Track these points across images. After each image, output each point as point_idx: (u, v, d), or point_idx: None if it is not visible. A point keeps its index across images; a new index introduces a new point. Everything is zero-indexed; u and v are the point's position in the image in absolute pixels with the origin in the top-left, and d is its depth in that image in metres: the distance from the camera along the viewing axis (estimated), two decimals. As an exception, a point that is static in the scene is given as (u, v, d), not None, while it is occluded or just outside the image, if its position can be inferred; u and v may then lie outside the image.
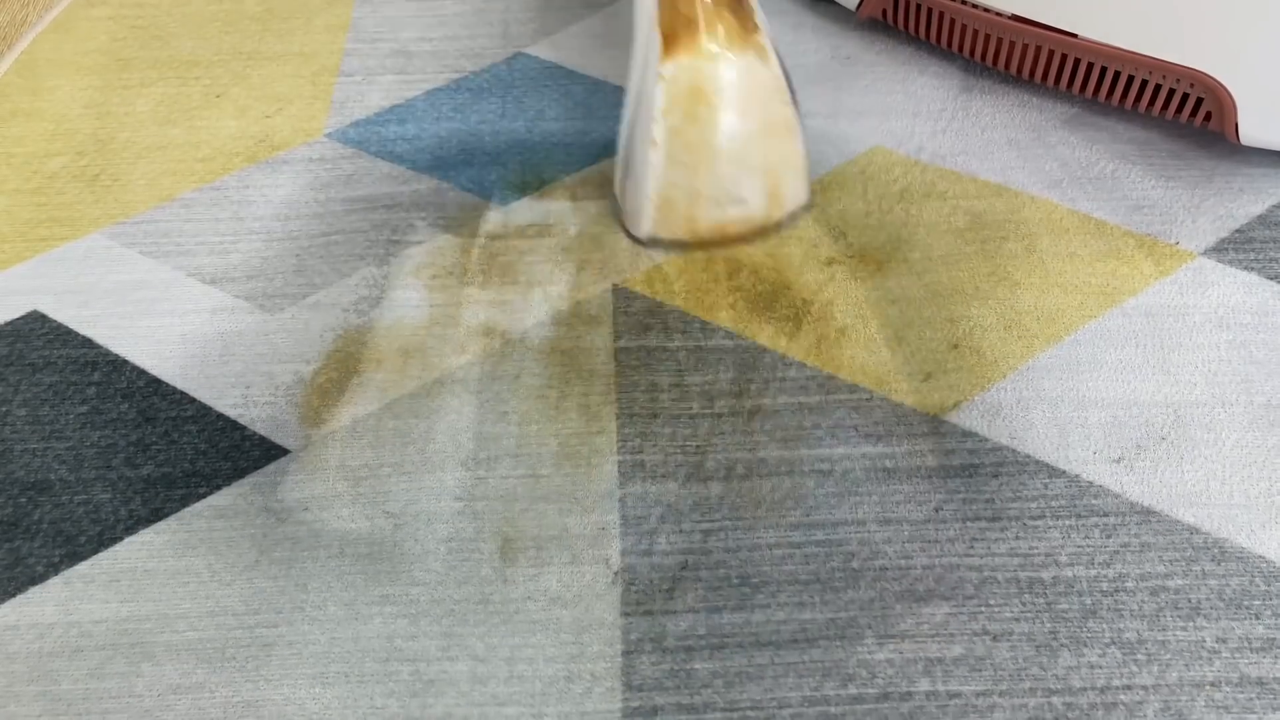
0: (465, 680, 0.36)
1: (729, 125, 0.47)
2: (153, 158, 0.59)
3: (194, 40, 0.68)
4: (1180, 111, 0.54)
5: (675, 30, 0.46)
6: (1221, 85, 0.51)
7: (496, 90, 0.62)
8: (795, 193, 0.51)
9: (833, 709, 0.35)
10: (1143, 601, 0.38)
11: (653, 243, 0.50)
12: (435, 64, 0.64)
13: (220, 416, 0.45)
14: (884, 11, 0.62)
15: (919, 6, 0.60)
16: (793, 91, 0.49)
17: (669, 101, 0.46)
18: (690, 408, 0.45)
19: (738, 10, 0.46)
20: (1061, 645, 0.36)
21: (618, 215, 0.51)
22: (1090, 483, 0.41)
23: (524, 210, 0.54)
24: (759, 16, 0.47)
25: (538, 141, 0.59)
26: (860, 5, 0.63)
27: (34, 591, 0.40)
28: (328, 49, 0.66)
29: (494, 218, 0.54)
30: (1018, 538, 0.40)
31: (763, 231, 0.50)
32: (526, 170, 0.57)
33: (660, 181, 0.48)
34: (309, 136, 0.60)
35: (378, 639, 0.38)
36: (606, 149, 0.58)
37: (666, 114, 0.46)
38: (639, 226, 0.50)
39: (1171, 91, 0.53)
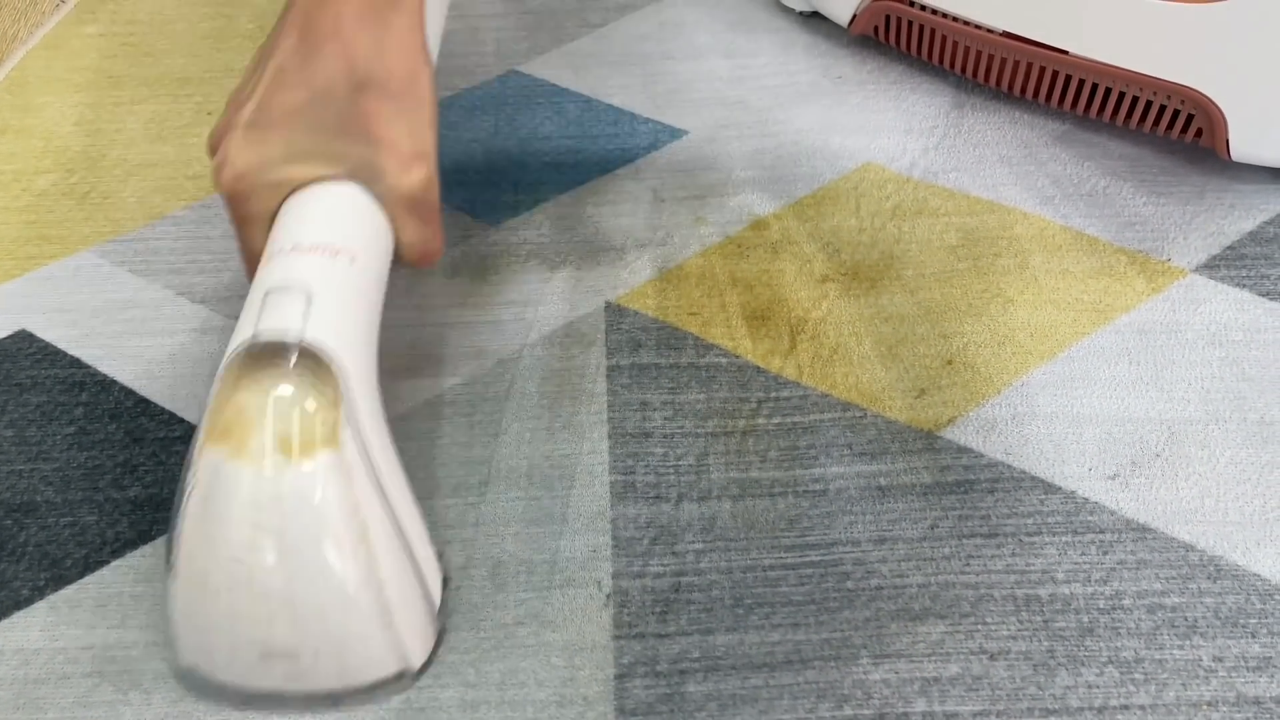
0: (456, 707, 0.36)
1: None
2: (143, 175, 0.59)
3: (185, 57, 0.68)
4: (1171, 128, 0.54)
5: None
6: (1212, 102, 0.51)
7: (489, 108, 0.62)
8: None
9: (828, 732, 0.35)
10: (1140, 619, 0.37)
11: None
12: (427, 81, 0.64)
13: (209, 437, 0.45)
14: (876, 29, 0.63)
15: (911, 24, 0.60)
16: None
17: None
18: (683, 427, 0.44)
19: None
20: (1059, 664, 0.36)
21: None
22: (1086, 499, 0.41)
23: (516, 229, 0.54)
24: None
25: (530, 160, 0.58)
26: (852, 22, 0.63)
27: (18, 616, 0.39)
28: (319, 67, 0.66)
29: (486, 236, 0.54)
30: (1014, 554, 0.39)
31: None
32: (519, 188, 0.57)
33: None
34: (300, 154, 0.59)
35: (368, 663, 0.37)
36: (600, 167, 0.58)
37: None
38: None
39: (1163, 108, 0.54)
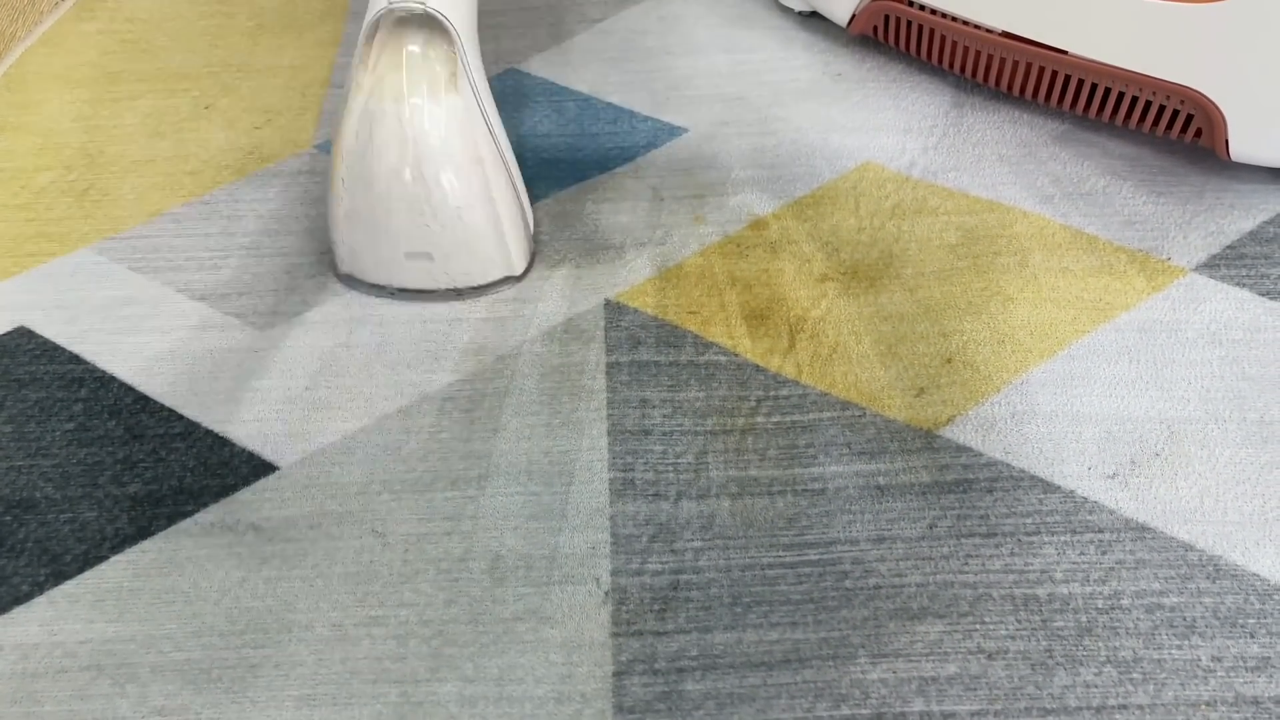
0: (454, 702, 0.36)
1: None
2: (142, 171, 0.59)
3: (183, 53, 0.68)
4: (1171, 128, 0.54)
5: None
6: (1211, 102, 0.51)
7: (488, 105, 0.62)
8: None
9: (826, 730, 0.35)
10: (1138, 619, 0.37)
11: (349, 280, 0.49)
12: (427, 79, 0.64)
13: (208, 433, 0.45)
14: (875, 28, 0.62)
15: (910, 23, 0.60)
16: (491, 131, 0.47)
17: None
18: (682, 424, 0.44)
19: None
20: (1057, 664, 0.36)
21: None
22: (1085, 498, 0.41)
23: (515, 225, 0.54)
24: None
25: (529, 156, 0.58)
26: (851, 22, 0.63)
27: (18, 611, 0.39)
28: (318, 62, 0.66)
29: (485, 233, 0.54)
30: (1012, 554, 0.39)
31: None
32: (518, 185, 0.56)
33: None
34: (298, 148, 0.59)
35: (366, 660, 0.37)
36: (599, 165, 0.58)
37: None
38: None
39: (1162, 108, 0.54)
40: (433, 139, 0.44)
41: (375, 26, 0.43)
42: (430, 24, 0.43)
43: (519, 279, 0.48)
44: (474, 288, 0.48)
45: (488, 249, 0.47)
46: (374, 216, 0.45)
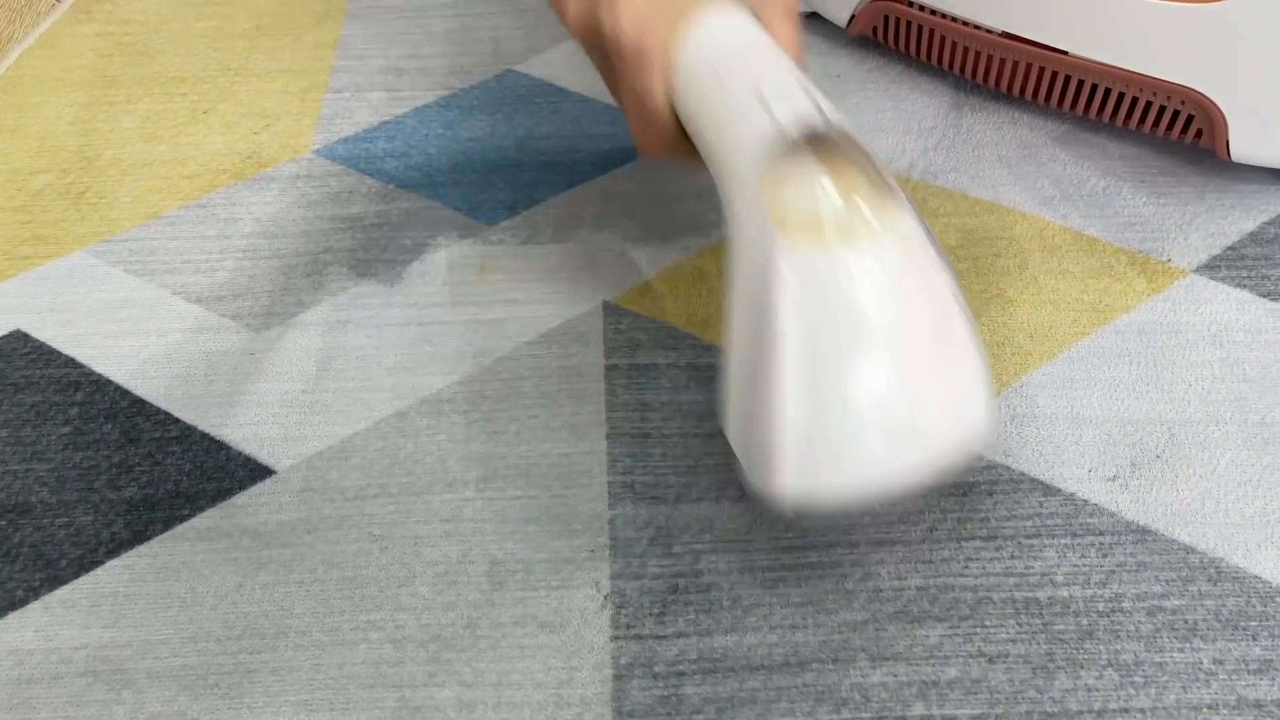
0: (452, 707, 0.36)
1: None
2: (138, 175, 0.58)
3: (181, 57, 0.67)
4: (1171, 128, 0.54)
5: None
6: (1212, 102, 0.51)
7: (486, 107, 0.62)
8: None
9: (827, 734, 0.35)
10: (1139, 622, 0.37)
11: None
12: (424, 81, 0.64)
13: (204, 437, 0.45)
14: (874, 29, 0.62)
15: (909, 24, 0.60)
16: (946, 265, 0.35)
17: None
18: (681, 427, 0.44)
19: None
20: (1058, 667, 0.36)
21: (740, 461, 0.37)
22: (1085, 501, 0.41)
23: (514, 228, 0.54)
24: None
25: (528, 159, 0.58)
26: (851, 22, 0.63)
27: (13, 617, 0.39)
28: (316, 65, 0.66)
29: (484, 236, 0.54)
30: (1013, 557, 0.39)
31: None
32: (516, 188, 0.56)
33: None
34: (296, 153, 0.59)
35: (363, 665, 0.37)
36: (596, 167, 0.57)
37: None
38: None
39: (1162, 109, 0.54)
40: (898, 280, 0.33)
41: (774, 155, 0.33)
42: (845, 142, 0.34)
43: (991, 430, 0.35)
44: (961, 450, 0.34)
45: (974, 396, 0.34)
46: (843, 404, 0.32)
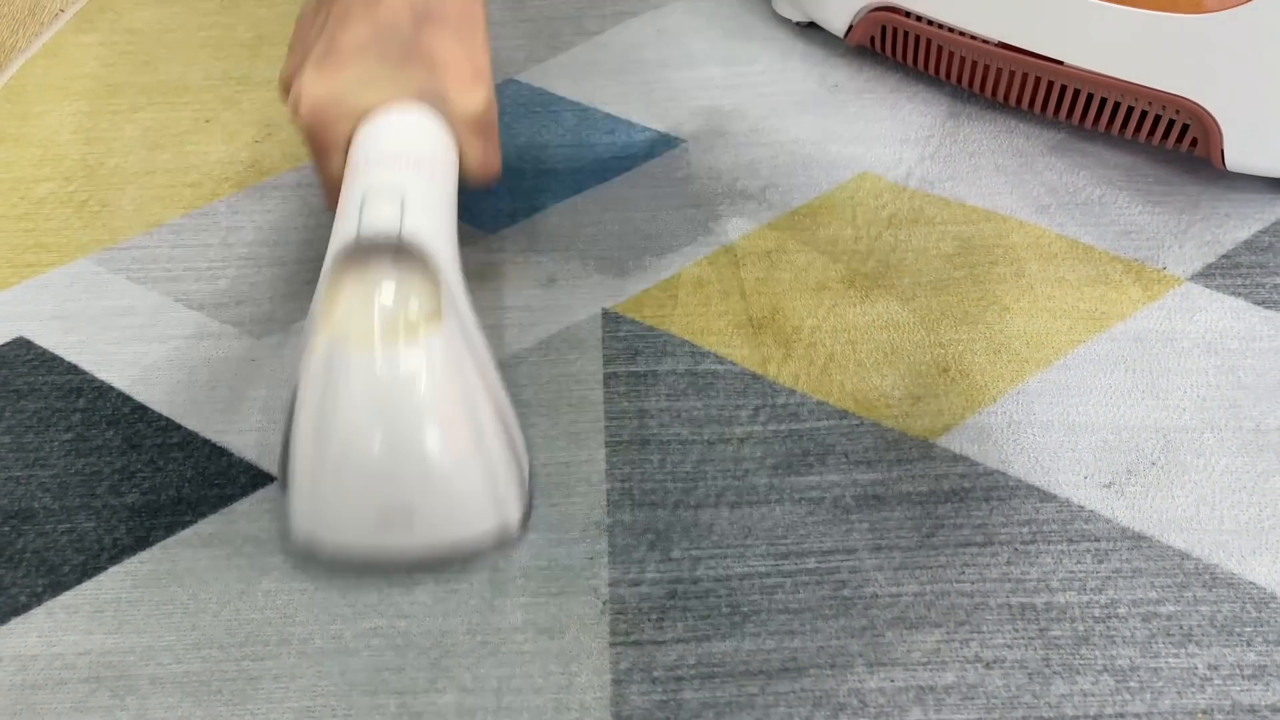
0: (453, 712, 0.36)
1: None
2: (141, 183, 0.59)
3: (183, 66, 0.68)
4: (1166, 137, 0.54)
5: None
6: (1207, 112, 0.52)
7: (486, 116, 0.62)
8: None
9: (824, 739, 0.35)
10: (1135, 628, 0.37)
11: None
12: (425, 90, 0.64)
13: (206, 443, 0.45)
14: (872, 39, 0.63)
15: (907, 34, 0.61)
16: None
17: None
18: (680, 434, 0.44)
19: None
20: (1054, 672, 0.36)
21: None
22: (1081, 507, 0.41)
23: (513, 236, 0.54)
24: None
25: (528, 167, 0.59)
26: (848, 32, 0.63)
27: (16, 622, 0.39)
28: (318, 75, 0.66)
29: (484, 244, 0.54)
30: (1009, 563, 0.40)
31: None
32: (517, 196, 0.57)
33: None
34: (298, 162, 0.60)
35: (365, 672, 0.37)
36: (596, 175, 0.58)
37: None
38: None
39: (1157, 118, 0.54)
40: (413, 387, 0.36)
41: (343, 255, 0.36)
42: (409, 253, 0.37)
43: (515, 537, 0.39)
44: (461, 547, 0.39)
45: (481, 504, 0.38)
46: (339, 475, 0.36)
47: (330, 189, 0.42)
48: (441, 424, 0.36)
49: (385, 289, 0.36)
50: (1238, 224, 0.53)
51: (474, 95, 0.42)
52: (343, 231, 0.37)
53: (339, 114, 0.41)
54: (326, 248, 0.38)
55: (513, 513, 0.39)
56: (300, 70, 0.41)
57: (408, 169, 0.39)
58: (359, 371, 0.35)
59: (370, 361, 0.35)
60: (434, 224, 0.38)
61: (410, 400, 0.36)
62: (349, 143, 0.41)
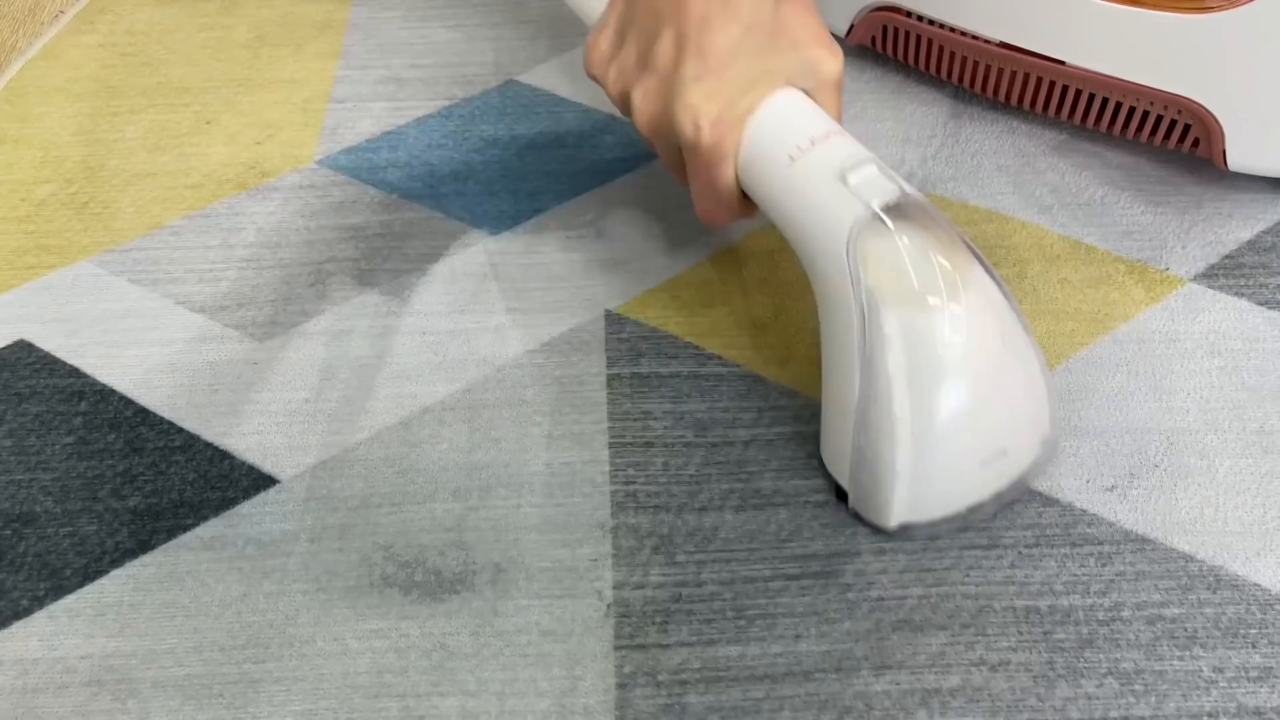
0: (455, 716, 0.36)
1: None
2: (142, 185, 0.59)
3: (184, 67, 0.68)
4: (1169, 138, 0.54)
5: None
6: (1209, 112, 0.52)
7: (488, 117, 0.62)
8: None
9: (829, 743, 0.35)
10: (1139, 631, 0.37)
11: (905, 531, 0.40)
12: (426, 91, 0.64)
13: (208, 446, 0.45)
14: (873, 39, 0.63)
15: (908, 34, 0.61)
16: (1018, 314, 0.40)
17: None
18: (684, 436, 0.44)
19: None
20: (1059, 675, 0.36)
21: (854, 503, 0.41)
22: (1084, 510, 0.41)
23: (516, 238, 0.54)
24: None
25: (530, 169, 0.59)
26: (850, 32, 0.63)
27: (17, 626, 0.39)
28: (318, 76, 0.66)
29: (486, 246, 0.54)
30: (1013, 566, 0.39)
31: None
32: (518, 198, 0.57)
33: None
34: (299, 163, 0.60)
35: (367, 674, 0.37)
36: (598, 176, 0.58)
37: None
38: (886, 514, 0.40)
39: (1160, 118, 0.54)
40: (990, 338, 0.38)
41: (869, 231, 0.37)
42: (921, 213, 0.38)
43: (1056, 447, 0.42)
44: (1038, 466, 0.41)
45: (1045, 422, 0.41)
46: (947, 439, 0.38)
47: (720, 200, 0.44)
48: (1019, 355, 0.39)
49: (931, 247, 0.38)
50: (1240, 224, 0.53)
51: (836, 60, 0.42)
52: (845, 207, 0.38)
53: (733, 123, 0.41)
54: (805, 231, 0.40)
55: (1051, 427, 0.41)
56: (680, 95, 0.41)
57: (844, 138, 0.40)
58: (949, 330, 0.37)
59: (956, 318, 0.37)
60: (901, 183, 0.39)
61: (991, 345, 0.38)
62: (737, 146, 0.42)
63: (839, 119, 0.44)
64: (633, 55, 0.43)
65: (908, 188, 0.39)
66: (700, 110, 0.41)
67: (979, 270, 0.38)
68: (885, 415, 0.37)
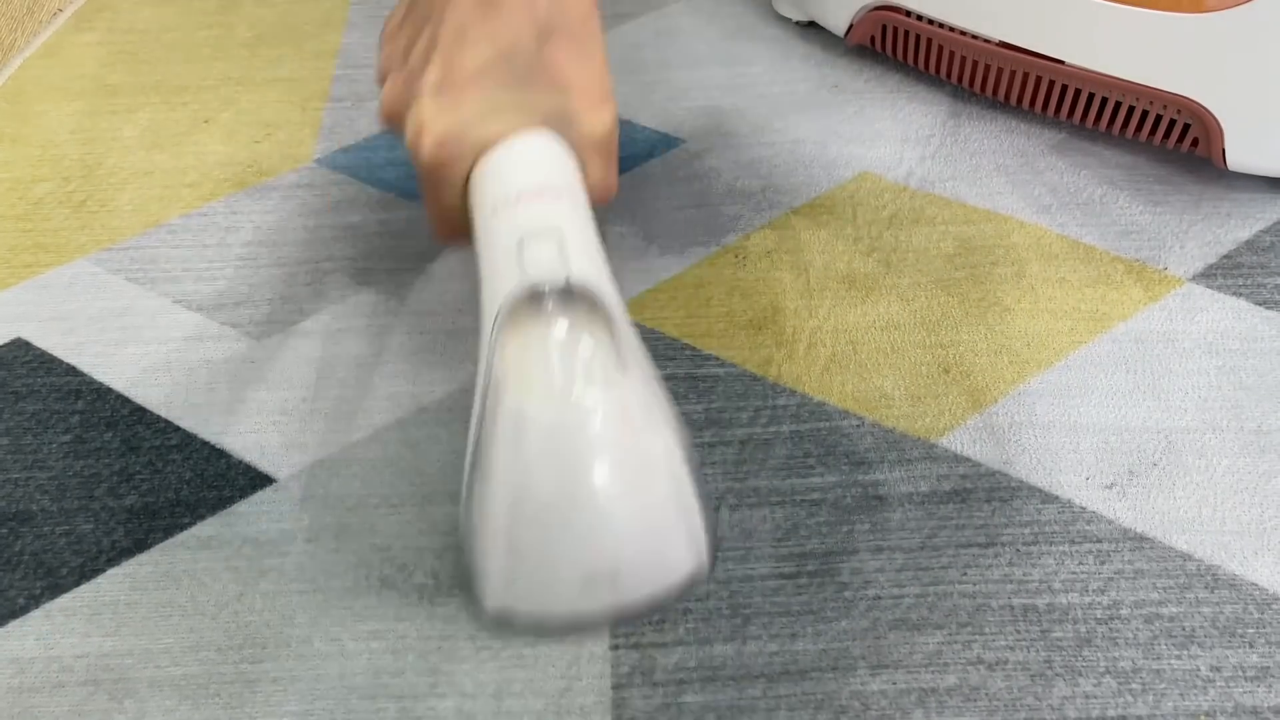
0: (452, 717, 0.36)
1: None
2: (140, 183, 0.59)
3: (182, 66, 0.68)
4: (1167, 137, 0.54)
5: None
6: (1208, 111, 0.52)
7: (486, 116, 0.62)
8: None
9: (826, 742, 0.35)
10: (1137, 629, 0.37)
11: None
12: (424, 90, 0.64)
13: (205, 445, 0.45)
14: (872, 38, 0.63)
15: (907, 33, 0.61)
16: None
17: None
18: (680, 435, 0.44)
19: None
20: (1056, 674, 0.36)
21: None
22: (1083, 509, 0.41)
23: (513, 236, 0.54)
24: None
25: (527, 167, 0.58)
26: (849, 32, 0.63)
27: (13, 625, 0.39)
28: (317, 75, 0.66)
29: (483, 244, 0.54)
30: (1011, 564, 0.39)
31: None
32: (516, 196, 0.56)
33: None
34: (298, 162, 0.59)
35: (364, 675, 0.37)
36: (596, 175, 0.58)
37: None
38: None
39: (1159, 117, 0.54)
40: (613, 447, 0.34)
41: (514, 306, 0.34)
42: (581, 298, 0.35)
43: (706, 578, 0.36)
44: (664, 595, 0.36)
45: (679, 548, 0.35)
46: (541, 539, 0.34)
47: (444, 221, 0.40)
48: (646, 476, 0.34)
49: (572, 339, 0.34)
50: (1239, 224, 0.53)
51: (602, 116, 0.39)
52: (507, 281, 0.35)
53: (463, 148, 0.37)
54: (482, 295, 0.36)
55: (706, 555, 0.36)
56: (417, 100, 0.37)
57: (552, 203, 0.37)
58: (558, 431, 0.33)
59: (567, 418, 0.33)
60: (595, 263, 0.36)
61: (614, 455, 0.34)
62: (469, 175, 0.38)
63: (603, 182, 0.40)
64: (402, 41, 0.40)
65: (589, 272, 0.35)
66: (427, 123, 0.37)
67: (633, 375, 0.34)
68: (486, 507, 0.34)
